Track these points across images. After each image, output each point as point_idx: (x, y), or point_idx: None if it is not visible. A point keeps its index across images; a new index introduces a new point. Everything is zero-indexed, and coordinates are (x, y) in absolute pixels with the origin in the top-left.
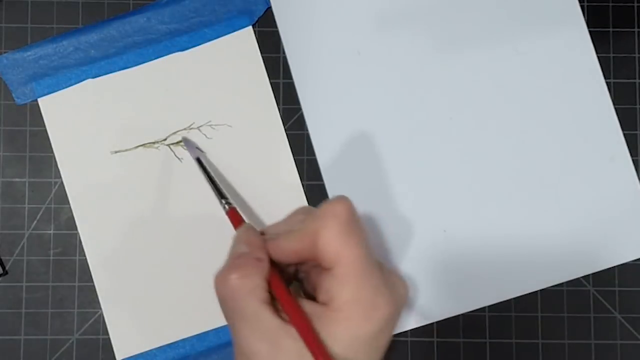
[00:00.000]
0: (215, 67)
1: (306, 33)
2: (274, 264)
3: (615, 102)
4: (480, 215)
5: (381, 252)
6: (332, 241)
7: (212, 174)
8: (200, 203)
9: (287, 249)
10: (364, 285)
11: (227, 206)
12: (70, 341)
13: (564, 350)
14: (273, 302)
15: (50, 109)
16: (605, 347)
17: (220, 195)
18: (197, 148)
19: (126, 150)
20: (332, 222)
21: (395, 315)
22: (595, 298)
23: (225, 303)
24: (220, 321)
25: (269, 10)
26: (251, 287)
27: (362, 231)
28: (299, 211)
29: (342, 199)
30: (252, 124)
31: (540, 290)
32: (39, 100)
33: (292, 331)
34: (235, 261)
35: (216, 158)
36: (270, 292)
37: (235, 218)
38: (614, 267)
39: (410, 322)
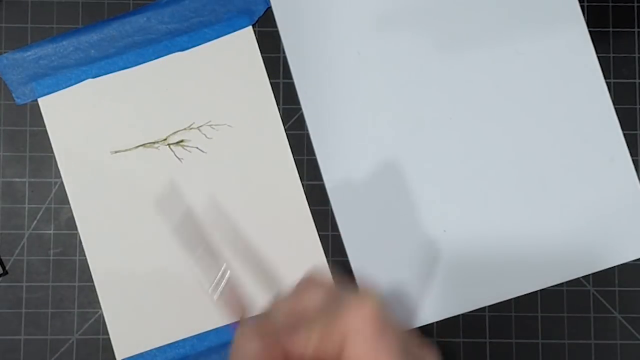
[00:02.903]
0: (215, 67)
1: (306, 33)
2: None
3: (615, 102)
4: (480, 215)
5: (381, 253)
6: (362, 348)
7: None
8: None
9: (307, 347)
10: None
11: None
12: (70, 341)
13: (564, 350)
14: None
15: (50, 109)
16: (605, 347)
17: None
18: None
19: (126, 150)
20: (362, 324)
21: None
22: (595, 298)
23: None
24: (220, 321)
25: (269, 10)
26: None
27: (396, 332)
28: (311, 285)
29: (371, 293)
30: (252, 124)
31: (540, 290)
32: (39, 100)
33: None
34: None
35: (216, 158)
36: None
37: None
38: (614, 267)
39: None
